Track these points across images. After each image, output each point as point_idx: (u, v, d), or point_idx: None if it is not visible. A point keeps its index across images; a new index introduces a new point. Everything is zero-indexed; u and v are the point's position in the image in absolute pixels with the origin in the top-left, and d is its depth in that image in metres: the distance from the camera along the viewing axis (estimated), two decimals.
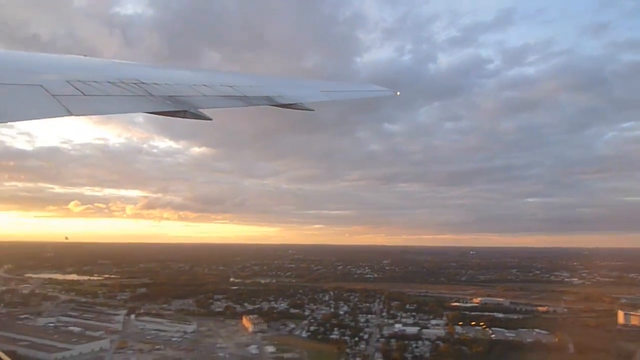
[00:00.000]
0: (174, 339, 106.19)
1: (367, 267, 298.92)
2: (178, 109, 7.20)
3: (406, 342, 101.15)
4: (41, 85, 5.98)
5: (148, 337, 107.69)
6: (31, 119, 5.23)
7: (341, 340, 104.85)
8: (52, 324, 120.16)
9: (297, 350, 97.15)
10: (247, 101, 9.28)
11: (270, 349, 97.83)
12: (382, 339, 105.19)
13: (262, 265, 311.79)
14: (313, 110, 10.89)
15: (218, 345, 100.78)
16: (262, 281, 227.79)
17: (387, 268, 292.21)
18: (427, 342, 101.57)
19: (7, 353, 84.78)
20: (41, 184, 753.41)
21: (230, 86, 9.85)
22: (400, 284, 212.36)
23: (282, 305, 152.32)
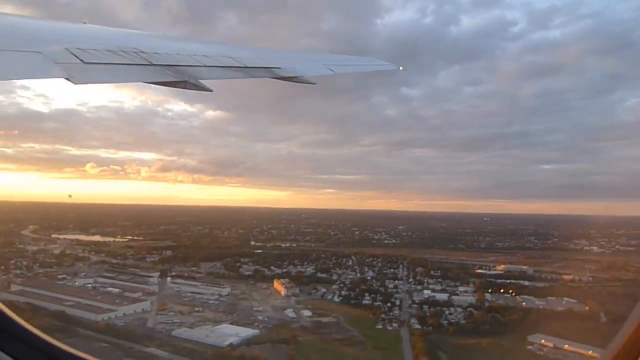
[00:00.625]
0: (211, 301, 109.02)
1: (383, 233, 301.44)
2: (178, 79, 7.11)
3: (438, 308, 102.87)
4: (40, 52, 5.87)
5: (185, 299, 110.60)
6: (31, 78, 5.22)
7: (374, 305, 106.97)
8: (89, 285, 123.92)
9: (332, 314, 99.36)
10: (248, 73, 9.22)
11: (306, 312, 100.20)
12: (415, 305, 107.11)
13: (279, 229, 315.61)
14: (315, 83, 10.68)
15: (255, 309, 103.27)
16: (283, 245, 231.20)
17: (404, 234, 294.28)
18: (459, 309, 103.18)
19: (56, 312, 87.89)
20: (58, 146, 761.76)
21: (231, 57, 9.65)
22: (420, 249, 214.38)
23: (309, 269, 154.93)
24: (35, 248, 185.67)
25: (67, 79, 5.47)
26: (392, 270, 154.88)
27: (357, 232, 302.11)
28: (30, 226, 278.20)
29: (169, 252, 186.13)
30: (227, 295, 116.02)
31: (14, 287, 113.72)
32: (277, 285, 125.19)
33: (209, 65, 8.51)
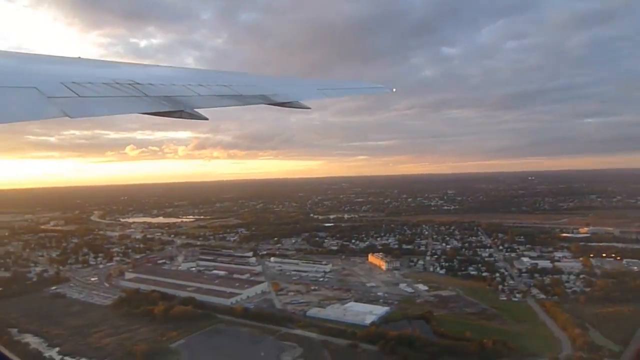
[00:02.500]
0: (320, 279, 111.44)
1: (436, 198, 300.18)
2: (174, 109, 7.17)
3: (552, 276, 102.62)
4: (36, 88, 5.89)
5: (294, 278, 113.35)
6: (27, 120, 5.23)
7: (482, 276, 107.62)
8: (193, 269, 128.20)
9: (448, 288, 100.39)
10: (243, 100, 9.24)
11: (421, 287, 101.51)
12: (524, 274, 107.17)
13: (331, 201, 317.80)
14: (309, 108, 10.65)
15: (368, 285, 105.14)
16: (346, 217, 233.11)
17: (457, 199, 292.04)
18: (571, 277, 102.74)
19: (188, 300, 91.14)
20: (97, 131, 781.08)
21: (226, 85, 9.77)
22: (485, 214, 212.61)
23: (390, 241, 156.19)
24: (115, 234, 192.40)
25: (64, 113, 5.50)
26: (474, 238, 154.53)
27: (410, 199, 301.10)
28: (95, 211, 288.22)
29: (242, 230, 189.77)
30: (330, 271, 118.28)
31: (128, 275, 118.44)
32: (374, 259, 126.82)
33: (203, 94, 8.66)
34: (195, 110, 7.47)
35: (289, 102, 10.24)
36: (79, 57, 10.46)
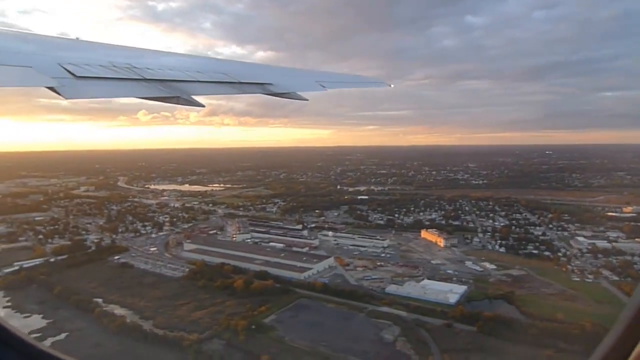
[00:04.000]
0: (382, 255, 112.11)
1: (460, 172, 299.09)
2: (171, 95, 7.18)
3: (616, 257, 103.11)
4: (32, 67, 5.91)
5: (355, 253, 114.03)
6: (21, 86, 5.32)
7: (545, 256, 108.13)
8: (249, 240, 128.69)
9: (516, 266, 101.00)
10: (241, 88, 9.27)
11: (488, 265, 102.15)
12: (587, 254, 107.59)
13: (353, 172, 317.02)
14: (307, 100, 10.69)
15: (433, 262, 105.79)
16: (375, 189, 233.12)
17: (482, 172, 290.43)
18: (635, 258, 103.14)
19: (261, 274, 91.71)
20: None
21: (224, 73, 9.74)
22: (517, 190, 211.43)
23: (434, 216, 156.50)
24: (152, 201, 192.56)
25: (54, 90, 5.52)
26: (518, 215, 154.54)
27: (434, 172, 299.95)
28: (120, 177, 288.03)
29: (278, 201, 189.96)
30: (388, 247, 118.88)
31: (187, 246, 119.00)
32: (428, 235, 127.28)
33: (202, 80, 8.67)
34: (192, 96, 7.52)
35: (286, 93, 10.27)
36: (77, 38, 10.35)
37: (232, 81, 9.41)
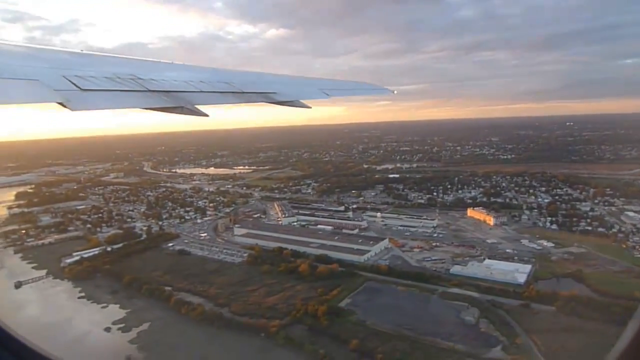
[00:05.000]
0: (434, 235, 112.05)
1: (485, 147, 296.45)
2: (175, 105, 7.27)
3: None
4: (38, 80, 6.06)
5: (406, 234, 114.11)
6: (27, 103, 5.39)
7: (599, 232, 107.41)
8: (295, 223, 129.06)
9: (574, 244, 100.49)
10: (244, 98, 9.40)
11: (545, 243, 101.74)
12: None
13: (375, 149, 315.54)
14: (310, 107, 10.81)
15: (489, 241, 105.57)
16: (403, 167, 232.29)
17: (507, 147, 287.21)
18: None
19: (322, 258, 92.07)
20: None
21: (227, 83, 9.89)
22: (549, 164, 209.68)
23: (473, 193, 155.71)
24: (184, 186, 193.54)
25: (62, 104, 5.62)
26: (559, 190, 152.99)
27: (459, 148, 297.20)
28: (144, 162, 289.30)
29: (311, 182, 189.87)
30: (437, 226, 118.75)
31: (237, 231, 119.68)
32: (475, 214, 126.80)
33: (205, 90, 8.84)
34: (196, 106, 7.60)
35: (290, 101, 10.36)
36: (82, 51, 10.51)
37: (235, 91, 9.54)
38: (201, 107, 7.77)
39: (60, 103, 5.71)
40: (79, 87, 6.49)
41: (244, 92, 9.71)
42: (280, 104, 10.25)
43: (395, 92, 18.40)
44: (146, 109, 7.15)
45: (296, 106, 10.60)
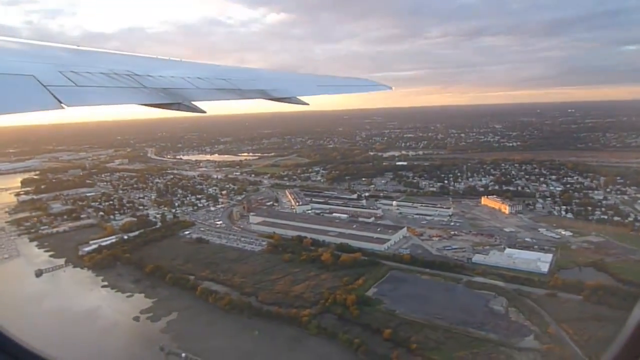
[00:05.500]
0: (451, 223, 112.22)
1: (489, 134, 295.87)
2: (171, 102, 7.30)
3: None
4: (33, 75, 6.03)
5: (423, 222, 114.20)
6: (22, 112, 5.25)
7: (616, 221, 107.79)
8: (310, 211, 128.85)
9: (592, 233, 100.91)
10: (241, 94, 9.40)
11: (563, 232, 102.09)
12: None
13: (378, 136, 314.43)
14: (308, 104, 10.90)
15: (507, 230, 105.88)
16: (409, 154, 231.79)
17: (511, 134, 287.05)
18: None
19: (343, 246, 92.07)
20: None
21: (224, 79, 10.00)
22: (556, 151, 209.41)
23: (484, 181, 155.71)
24: (192, 173, 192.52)
25: (55, 97, 5.62)
26: (569, 178, 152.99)
27: (463, 135, 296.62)
28: (147, 149, 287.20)
29: (319, 169, 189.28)
30: (453, 215, 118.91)
31: (253, 219, 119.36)
32: (489, 202, 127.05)
33: (202, 87, 8.89)
34: (193, 103, 7.61)
35: (287, 98, 10.42)
36: (78, 47, 10.49)
37: (232, 88, 9.55)
38: (198, 104, 7.76)
39: (53, 96, 5.69)
40: (74, 83, 6.50)
41: (241, 89, 9.68)
42: (278, 101, 10.31)
43: (393, 88, 18.66)
44: (143, 104, 7.13)
45: (293, 103, 10.64)
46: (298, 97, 10.82)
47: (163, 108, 7.42)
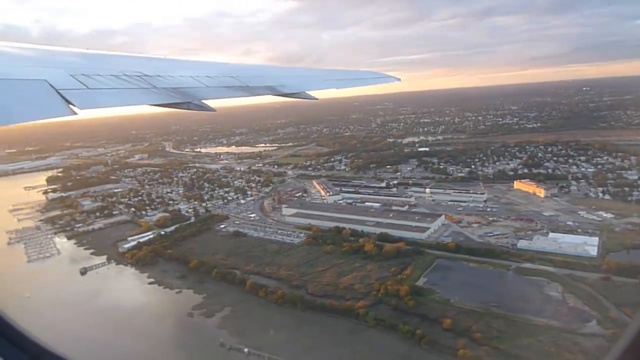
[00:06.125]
0: (488, 209, 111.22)
1: (507, 115, 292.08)
2: (181, 101, 7.34)
3: None
4: (45, 80, 6.12)
5: (459, 209, 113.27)
6: (37, 119, 5.34)
7: None
8: (341, 201, 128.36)
9: (634, 214, 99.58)
10: (250, 91, 9.44)
11: (604, 214, 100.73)
12: None
13: (394, 122, 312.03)
14: (317, 99, 10.99)
15: (546, 214, 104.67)
16: (429, 139, 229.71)
17: (529, 115, 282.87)
18: None
19: (383, 236, 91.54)
20: None
21: (233, 77, 10.00)
22: (579, 131, 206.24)
23: (512, 165, 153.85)
24: (214, 166, 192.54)
25: (68, 101, 5.69)
26: (599, 159, 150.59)
27: (480, 118, 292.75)
28: (165, 143, 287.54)
29: (341, 158, 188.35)
30: (487, 200, 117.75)
31: (286, 210, 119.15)
32: (522, 186, 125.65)
33: (211, 85, 8.96)
34: (203, 101, 7.64)
35: (296, 93, 10.42)
36: (88, 49, 10.55)
37: (241, 85, 9.61)
38: (207, 102, 7.79)
39: (68, 102, 5.72)
40: (86, 86, 6.57)
41: (249, 86, 9.74)
42: (287, 96, 10.37)
43: (401, 79, 18.66)
44: (153, 105, 7.19)
45: (302, 98, 10.69)
46: (306, 92, 10.88)
47: (173, 107, 7.46)
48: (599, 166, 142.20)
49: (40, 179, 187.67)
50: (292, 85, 11.06)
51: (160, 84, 7.88)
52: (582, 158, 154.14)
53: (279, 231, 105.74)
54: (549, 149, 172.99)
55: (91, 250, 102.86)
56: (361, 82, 16.17)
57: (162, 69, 9.26)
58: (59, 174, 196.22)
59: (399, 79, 18.04)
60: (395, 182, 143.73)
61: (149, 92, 7.42)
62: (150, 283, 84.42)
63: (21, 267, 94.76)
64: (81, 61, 9.17)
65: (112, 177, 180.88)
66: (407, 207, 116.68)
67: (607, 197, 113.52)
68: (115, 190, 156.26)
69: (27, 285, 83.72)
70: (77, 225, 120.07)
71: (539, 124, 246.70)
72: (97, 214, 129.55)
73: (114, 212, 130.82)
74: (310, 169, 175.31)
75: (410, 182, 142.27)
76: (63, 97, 5.83)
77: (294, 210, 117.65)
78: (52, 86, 6.05)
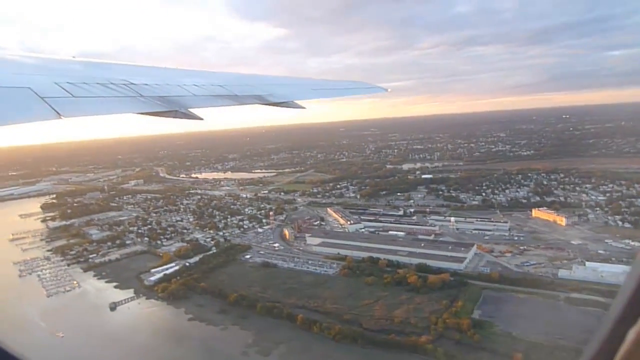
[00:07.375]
0: (515, 238, 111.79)
1: (498, 143, 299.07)
2: (168, 109, 7.32)
3: None
4: (30, 88, 6.05)
5: (486, 237, 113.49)
6: (20, 122, 5.25)
7: None
8: (363, 230, 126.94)
9: None
10: (238, 100, 9.43)
11: (631, 242, 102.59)
12: None
13: (388, 149, 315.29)
14: (304, 108, 11.07)
15: (574, 242, 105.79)
16: (427, 166, 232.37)
17: (520, 142, 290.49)
18: None
19: (422, 267, 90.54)
20: None
21: (221, 85, 10.06)
22: (572, 159, 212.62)
23: (522, 193, 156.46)
24: (217, 193, 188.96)
25: (53, 108, 5.63)
26: (606, 187, 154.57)
27: (472, 145, 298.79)
28: (156, 168, 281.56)
29: (347, 185, 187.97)
30: (510, 229, 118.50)
31: (311, 240, 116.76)
32: (541, 214, 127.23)
33: (198, 94, 8.93)
34: (190, 110, 7.60)
35: (284, 102, 10.48)
36: (74, 57, 10.38)
37: (229, 94, 9.51)
38: (195, 111, 7.65)
39: (53, 110, 5.57)
40: (71, 94, 6.40)
41: (237, 95, 9.60)
42: (274, 105, 10.24)
43: (389, 90, 18.74)
44: (140, 113, 7.01)
45: (290, 107, 10.60)
46: (294, 101, 10.76)
47: (160, 116, 7.24)
48: (607, 194, 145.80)
49: (34, 205, 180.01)
50: (281, 94, 10.89)
51: (147, 92, 7.71)
52: (588, 186, 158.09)
53: (309, 261, 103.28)
54: (552, 177, 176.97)
55: (114, 284, 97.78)
56: (348, 92, 16.07)
57: (148, 77, 9.04)
58: (54, 201, 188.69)
59: (386, 90, 17.96)
60: (411, 210, 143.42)
61: (136, 101, 7.23)
62: (190, 319, 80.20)
63: (42, 302, 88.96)
64: (67, 69, 8.89)
65: (113, 204, 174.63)
66: (433, 236, 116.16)
67: (627, 225, 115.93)
68: (121, 218, 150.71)
69: (55, 323, 78.46)
70: (90, 256, 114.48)
71: (532, 152, 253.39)
72: (109, 243, 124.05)
73: (127, 242, 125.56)
74: (319, 196, 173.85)
75: (428, 210, 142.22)
76: (48, 105, 5.63)
77: (319, 240, 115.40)
78: (36, 94, 5.87)
